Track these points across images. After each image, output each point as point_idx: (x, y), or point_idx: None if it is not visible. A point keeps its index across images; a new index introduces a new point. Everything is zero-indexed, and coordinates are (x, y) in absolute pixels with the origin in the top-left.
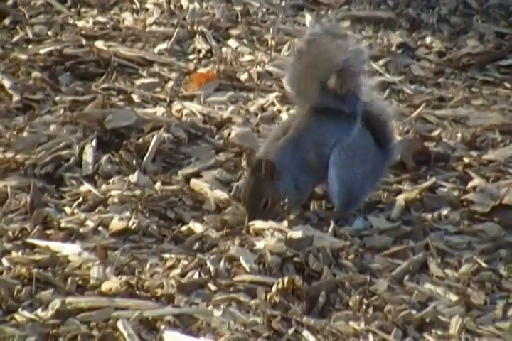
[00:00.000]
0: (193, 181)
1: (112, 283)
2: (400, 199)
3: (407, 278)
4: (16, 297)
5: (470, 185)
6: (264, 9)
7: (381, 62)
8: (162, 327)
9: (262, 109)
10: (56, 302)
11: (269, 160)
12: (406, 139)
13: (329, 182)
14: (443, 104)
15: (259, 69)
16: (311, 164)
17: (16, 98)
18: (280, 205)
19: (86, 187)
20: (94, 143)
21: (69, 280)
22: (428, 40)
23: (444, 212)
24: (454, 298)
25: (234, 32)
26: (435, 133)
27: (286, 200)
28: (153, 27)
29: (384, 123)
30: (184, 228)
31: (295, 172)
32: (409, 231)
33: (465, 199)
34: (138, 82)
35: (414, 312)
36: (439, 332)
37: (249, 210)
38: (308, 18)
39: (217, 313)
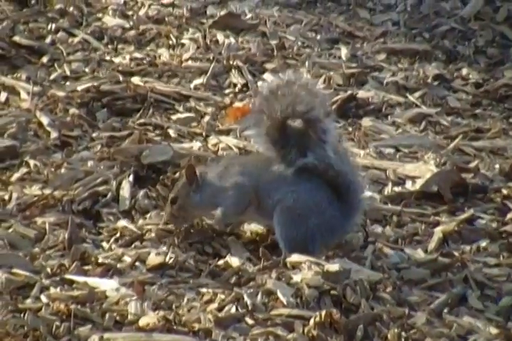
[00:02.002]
0: None
1: (150, 318)
2: (438, 231)
3: (446, 311)
4: (55, 333)
5: (509, 216)
6: (299, 43)
7: (417, 94)
8: None
9: None
10: (94, 338)
11: (192, 165)
12: (443, 171)
13: (276, 236)
14: (480, 135)
15: None
16: (245, 190)
17: (53, 135)
18: (190, 213)
19: (123, 222)
20: (131, 178)
21: (107, 315)
22: (464, 71)
23: (483, 244)
24: (494, 331)
25: (269, 66)
26: (472, 165)
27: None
28: (189, 62)
29: (344, 182)
30: (221, 262)
31: (217, 192)
32: (448, 263)
33: (504, 231)
34: (174, 117)
35: None
36: None
37: (166, 202)
38: (343, 51)
39: None
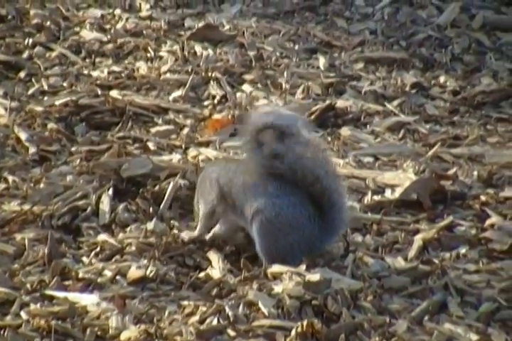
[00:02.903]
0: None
1: (131, 332)
2: (418, 239)
3: (426, 318)
4: None
5: (488, 223)
6: (277, 53)
7: (395, 102)
8: None
9: None
10: None
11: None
12: (422, 179)
13: (256, 247)
14: (458, 142)
15: None
16: (221, 191)
17: (32, 150)
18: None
19: (103, 236)
20: (110, 192)
21: (88, 330)
22: (442, 79)
23: (463, 250)
24: (474, 337)
25: (248, 77)
26: (451, 172)
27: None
28: (168, 74)
29: (325, 194)
30: (202, 274)
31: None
32: (428, 271)
33: (483, 238)
34: (153, 130)
35: None
36: None
37: None
38: (322, 60)
39: None
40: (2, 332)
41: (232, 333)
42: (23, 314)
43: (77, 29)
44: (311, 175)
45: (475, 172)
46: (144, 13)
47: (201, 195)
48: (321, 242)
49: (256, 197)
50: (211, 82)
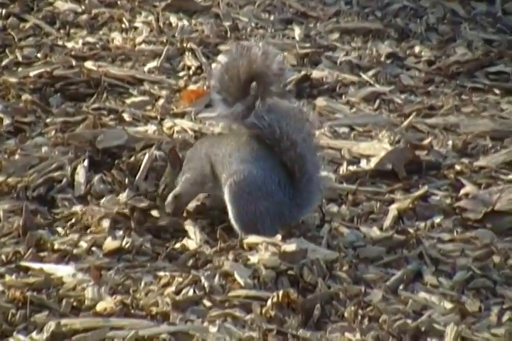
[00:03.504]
0: None
1: (107, 303)
2: (393, 208)
3: (401, 287)
4: (11, 321)
5: (462, 192)
6: (252, 24)
7: (371, 72)
8: None
9: None
10: (51, 325)
11: (174, 148)
12: (397, 149)
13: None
14: (433, 112)
15: None
16: (203, 169)
17: (6, 121)
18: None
19: (78, 207)
20: (86, 163)
21: (63, 301)
22: (417, 49)
23: (437, 220)
24: (448, 305)
25: (223, 47)
26: (426, 142)
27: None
28: (143, 45)
29: (299, 162)
30: (178, 245)
31: (191, 173)
32: (403, 240)
33: (457, 207)
34: (128, 101)
35: (409, 321)
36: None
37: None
38: (297, 31)
39: (213, 329)
40: None
41: (208, 303)
42: None
43: (51, 0)
44: (288, 139)
45: (450, 142)
46: None
47: (189, 169)
48: (290, 212)
49: (230, 164)
50: (186, 52)
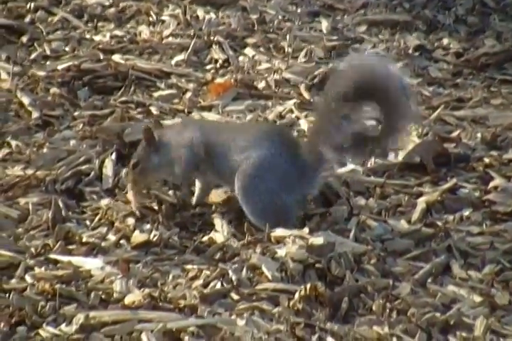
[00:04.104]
0: (213, 192)
1: (135, 296)
2: (421, 201)
3: (430, 280)
4: (40, 312)
5: (491, 185)
6: (280, 17)
7: (398, 64)
8: (186, 338)
9: (281, 116)
10: (80, 317)
11: (149, 128)
12: (425, 141)
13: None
14: (462, 104)
15: (276, 76)
16: (197, 150)
17: (35, 115)
18: (151, 176)
19: (106, 201)
20: (113, 156)
21: (92, 294)
22: (445, 41)
23: (466, 213)
24: (477, 299)
25: (250, 40)
26: (454, 135)
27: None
28: (170, 39)
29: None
30: (205, 238)
31: (174, 154)
32: (431, 233)
33: (486, 200)
34: (156, 94)
35: (438, 314)
36: (464, 334)
37: (127, 168)
38: (324, 23)
39: (241, 322)
40: (7, 295)
41: (235, 297)
42: (27, 277)
43: None
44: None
45: (478, 135)
46: None
47: (180, 155)
48: (301, 190)
49: (237, 153)
50: (213, 46)
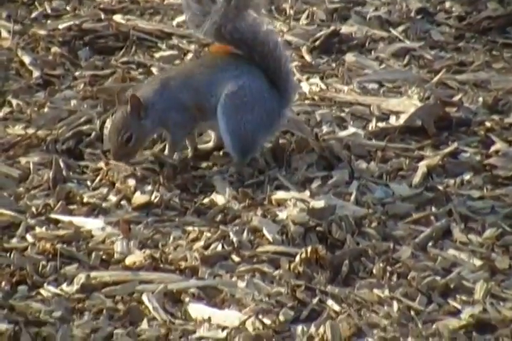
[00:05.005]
0: (214, 154)
1: (136, 257)
2: (422, 165)
3: (430, 244)
4: (41, 272)
5: (492, 149)
6: None
7: (400, 28)
8: (187, 299)
9: None
10: (81, 277)
11: (135, 95)
12: (427, 105)
13: (220, 131)
14: (464, 68)
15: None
16: (184, 103)
17: (36, 74)
18: (145, 142)
19: (104, 163)
20: None
21: (93, 254)
22: (447, 4)
23: (467, 177)
24: (478, 263)
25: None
26: (456, 98)
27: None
28: None
29: (274, 57)
30: (206, 200)
31: (162, 109)
32: (432, 197)
33: (487, 164)
34: (157, 55)
35: (438, 278)
36: (464, 298)
37: (113, 144)
38: None
39: (241, 284)
40: (8, 254)
41: (236, 259)
42: (28, 237)
43: None
44: (265, 43)
45: (480, 99)
46: None
47: (169, 119)
48: (279, 116)
49: (217, 86)
50: None
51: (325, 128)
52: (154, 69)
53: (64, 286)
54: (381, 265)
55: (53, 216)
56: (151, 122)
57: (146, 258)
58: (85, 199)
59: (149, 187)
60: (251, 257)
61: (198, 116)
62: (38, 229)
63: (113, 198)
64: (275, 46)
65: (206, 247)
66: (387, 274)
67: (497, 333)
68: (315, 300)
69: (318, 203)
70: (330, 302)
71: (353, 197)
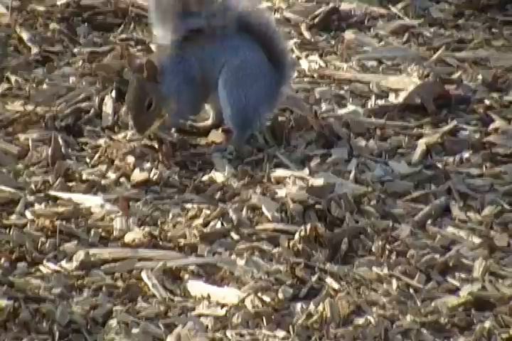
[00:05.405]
0: (213, 131)
1: (135, 234)
2: (421, 143)
3: (429, 222)
4: (41, 249)
5: (491, 127)
6: None
7: (400, 5)
8: (186, 276)
9: None
10: (80, 254)
11: (150, 60)
12: (426, 83)
13: (221, 104)
14: (463, 46)
15: (277, 15)
16: (194, 76)
17: (34, 50)
18: (164, 107)
19: (103, 140)
20: (113, 94)
21: (92, 231)
22: None
23: (466, 155)
24: (477, 240)
25: None
26: (455, 76)
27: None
28: None
29: (269, 35)
30: (205, 178)
31: (179, 79)
32: (431, 175)
33: (487, 142)
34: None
35: (437, 256)
36: (463, 275)
37: (134, 112)
38: None
39: (241, 262)
40: (8, 231)
41: (235, 236)
42: (27, 214)
43: None
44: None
45: (479, 76)
46: None
47: (182, 85)
48: (277, 92)
49: (219, 58)
50: None
51: (324, 106)
52: (153, 46)
53: (63, 263)
54: (380, 243)
55: (52, 193)
56: (167, 87)
57: (145, 235)
58: (84, 177)
59: (148, 165)
60: (250, 235)
61: (206, 90)
62: (37, 206)
63: (112, 175)
64: (268, 24)
65: (205, 225)
66: (386, 252)
67: (496, 310)
68: (314, 278)
69: (318, 181)
70: (329, 280)
71: (352, 175)
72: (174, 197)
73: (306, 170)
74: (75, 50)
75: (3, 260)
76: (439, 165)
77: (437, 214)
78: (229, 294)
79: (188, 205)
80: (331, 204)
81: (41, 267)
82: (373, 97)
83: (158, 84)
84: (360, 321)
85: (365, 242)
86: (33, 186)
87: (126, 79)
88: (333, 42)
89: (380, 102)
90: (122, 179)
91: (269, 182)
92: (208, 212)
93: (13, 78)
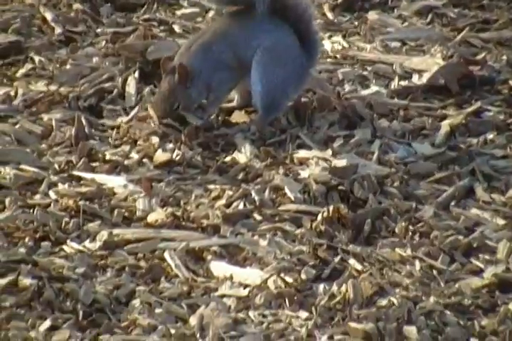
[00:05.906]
0: (236, 112)
1: (158, 215)
2: (445, 124)
3: (453, 203)
4: (64, 229)
5: None
6: None
7: None
8: (209, 257)
9: None
10: (103, 234)
11: (183, 64)
12: (450, 64)
13: (252, 83)
14: (487, 26)
15: None
16: (228, 63)
17: (58, 30)
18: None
19: (125, 121)
20: (136, 74)
21: (115, 212)
22: None
23: (490, 136)
24: (501, 222)
25: None
26: (480, 57)
27: (206, 102)
28: None
29: (304, 18)
30: (228, 158)
31: (208, 74)
32: (455, 156)
33: (511, 123)
34: (179, 13)
35: (461, 237)
36: (487, 257)
37: (159, 113)
38: None
39: (263, 243)
40: (32, 211)
41: (258, 217)
42: (51, 193)
43: None
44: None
45: (504, 57)
46: None
47: (218, 76)
48: (306, 74)
49: (253, 39)
50: None
51: (347, 87)
52: (176, 27)
53: (87, 243)
54: (403, 224)
55: (76, 173)
56: (198, 91)
57: (168, 215)
58: (107, 157)
59: (171, 145)
60: (273, 216)
61: (239, 74)
62: (60, 186)
63: (135, 156)
64: (305, 8)
65: (228, 205)
66: (410, 233)
67: None
68: (337, 259)
69: (341, 162)
70: (352, 261)
71: (375, 156)
72: (197, 178)
73: (329, 151)
74: (98, 31)
75: (27, 239)
76: (463, 147)
77: (461, 196)
78: (251, 275)
79: (211, 186)
80: (354, 185)
81: (65, 247)
82: (396, 78)
83: (189, 88)
84: (383, 302)
85: (388, 223)
86: (56, 166)
87: (149, 60)
88: (356, 22)
89: (404, 83)
90: (145, 159)
91: (292, 163)
92: (231, 192)
93: (36, 58)
